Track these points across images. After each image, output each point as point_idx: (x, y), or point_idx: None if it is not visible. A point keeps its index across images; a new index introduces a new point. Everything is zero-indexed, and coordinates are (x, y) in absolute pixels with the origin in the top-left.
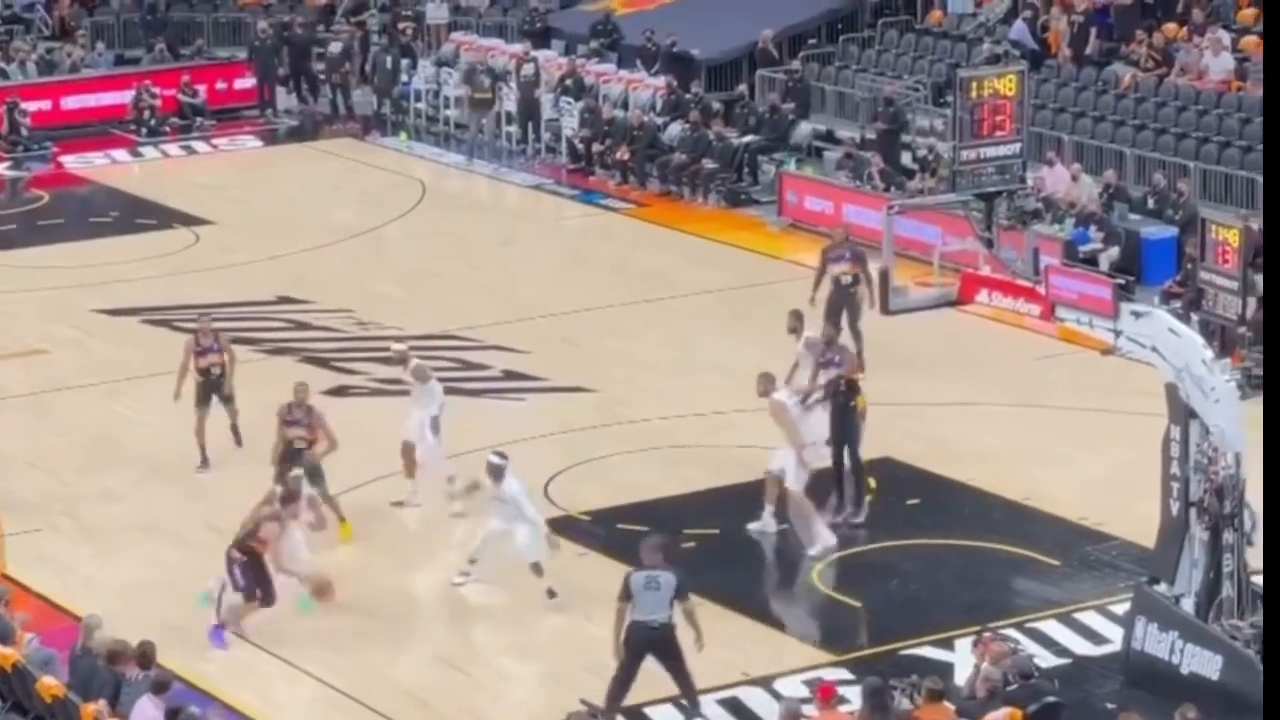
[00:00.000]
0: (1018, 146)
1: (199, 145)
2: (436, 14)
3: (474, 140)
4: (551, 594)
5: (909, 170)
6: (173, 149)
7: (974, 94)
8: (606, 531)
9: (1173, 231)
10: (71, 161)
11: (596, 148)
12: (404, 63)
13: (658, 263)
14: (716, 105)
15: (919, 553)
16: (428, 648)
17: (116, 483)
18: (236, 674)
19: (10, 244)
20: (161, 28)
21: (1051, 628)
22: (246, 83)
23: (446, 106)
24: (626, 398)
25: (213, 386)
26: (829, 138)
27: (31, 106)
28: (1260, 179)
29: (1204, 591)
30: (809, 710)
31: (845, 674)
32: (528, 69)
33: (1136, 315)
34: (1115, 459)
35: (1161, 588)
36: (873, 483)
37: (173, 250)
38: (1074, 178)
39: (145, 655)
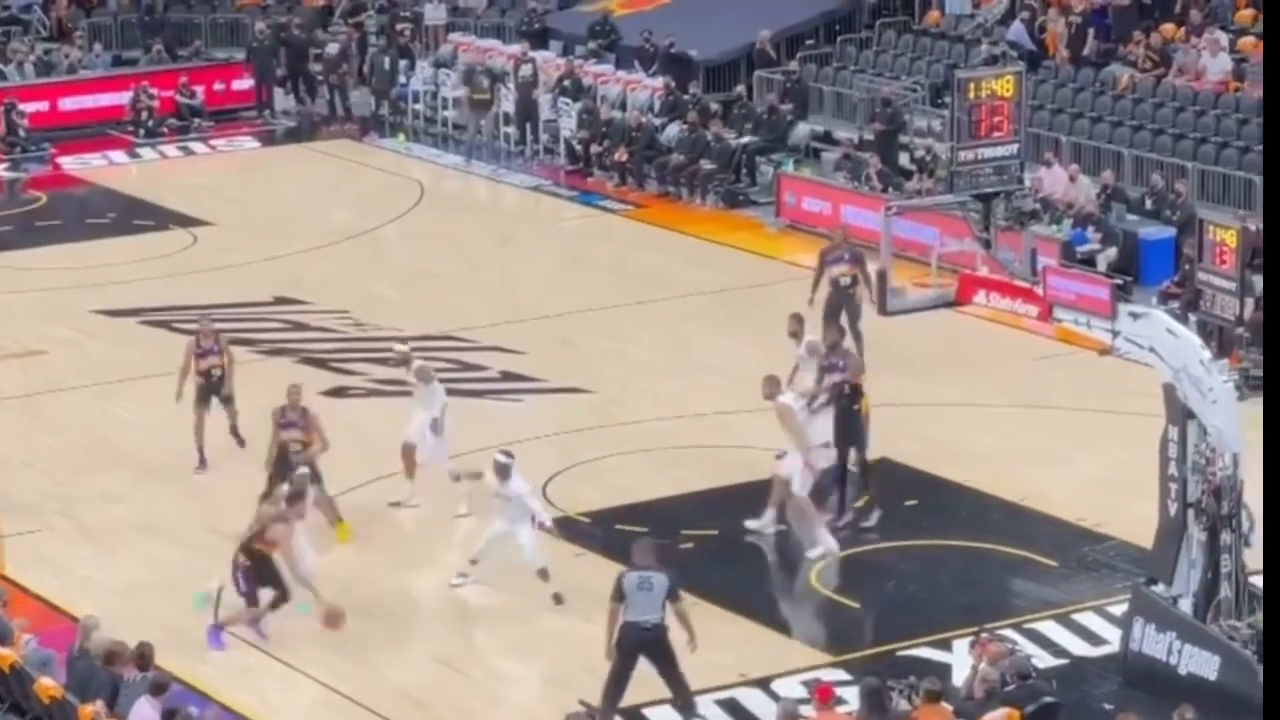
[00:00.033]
0: (1015, 147)
1: (197, 146)
2: (434, 15)
3: (472, 141)
4: (558, 599)
5: (907, 171)
6: (170, 150)
7: (972, 95)
8: (604, 532)
9: (1170, 232)
10: (69, 162)
11: (595, 149)
12: (402, 64)
13: (656, 264)
14: (714, 106)
15: (917, 554)
16: (425, 649)
17: (114, 483)
18: (234, 675)
19: (8, 245)
20: (159, 29)
21: (1049, 628)
22: (244, 84)
23: (444, 107)
24: (624, 399)
25: (213, 388)
26: (827, 138)
27: (29, 108)
28: (1258, 180)
29: (1202, 592)
30: (807, 711)
31: (843, 675)
32: (526, 70)
33: (1134, 316)
34: (1113, 460)
35: (1159, 588)
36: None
37: (170, 251)
38: (1072, 178)
39: (143, 656)
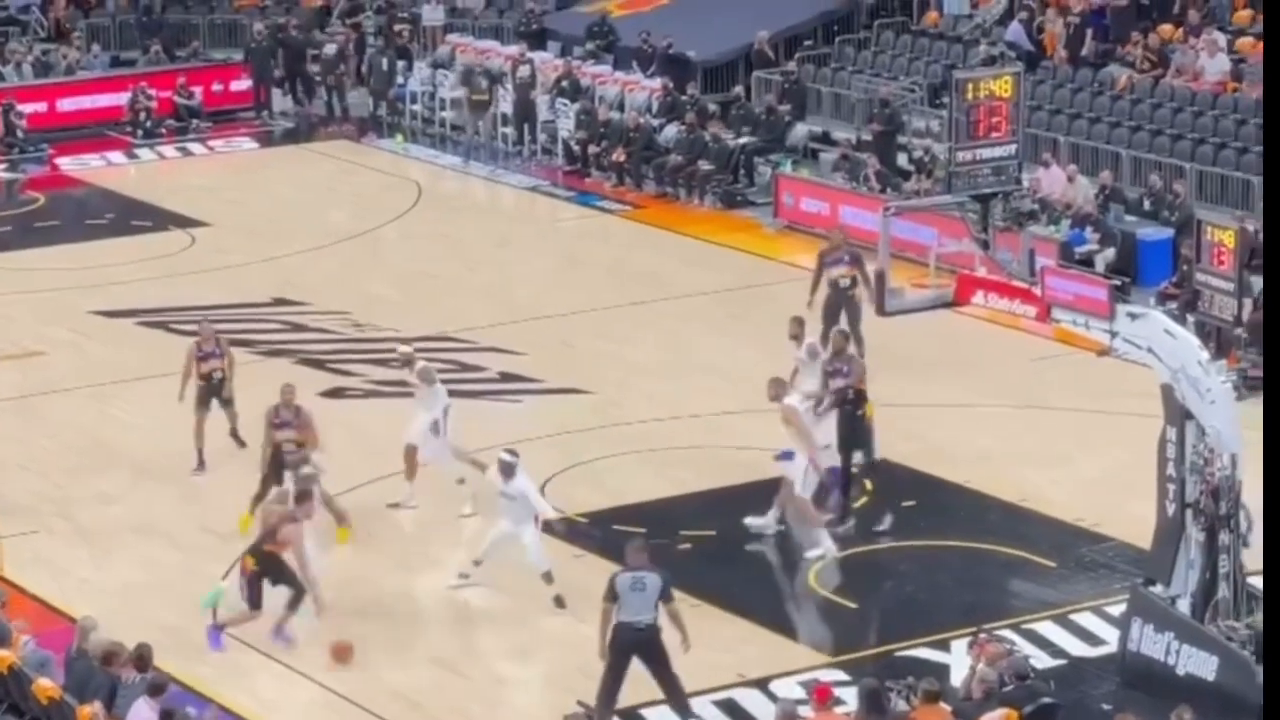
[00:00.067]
0: (1013, 148)
1: (195, 147)
2: (432, 16)
3: (470, 141)
4: (560, 603)
5: (905, 172)
6: (168, 151)
7: (970, 95)
8: (603, 533)
9: (1168, 233)
10: (67, 163)
11: (592, 149)
12: (400, 64)
13: (653, 264)
14: (712, 107)
15: (915, 554)
16: (423, 650)
17: (112, 485)
18: (233, 676)
19: (6, 246)
20: (157, 29)
21: (1047, 629)
22: (242, 85)
23: (442, 108)
24: (622, 399)
25: (214, 390)
26: (825, 139)
27: (27, 108)
28: (1256, 180)
29: (1200, 593)
30: (805, 711)
31: (841, 675)
32: (523, 71)
33: (1132, 316)
34: (1111, 460)
35: (1157, 589)
36: (869, 484)
37: (169, 252)
38: (1070, 179)
39: (142, 657)
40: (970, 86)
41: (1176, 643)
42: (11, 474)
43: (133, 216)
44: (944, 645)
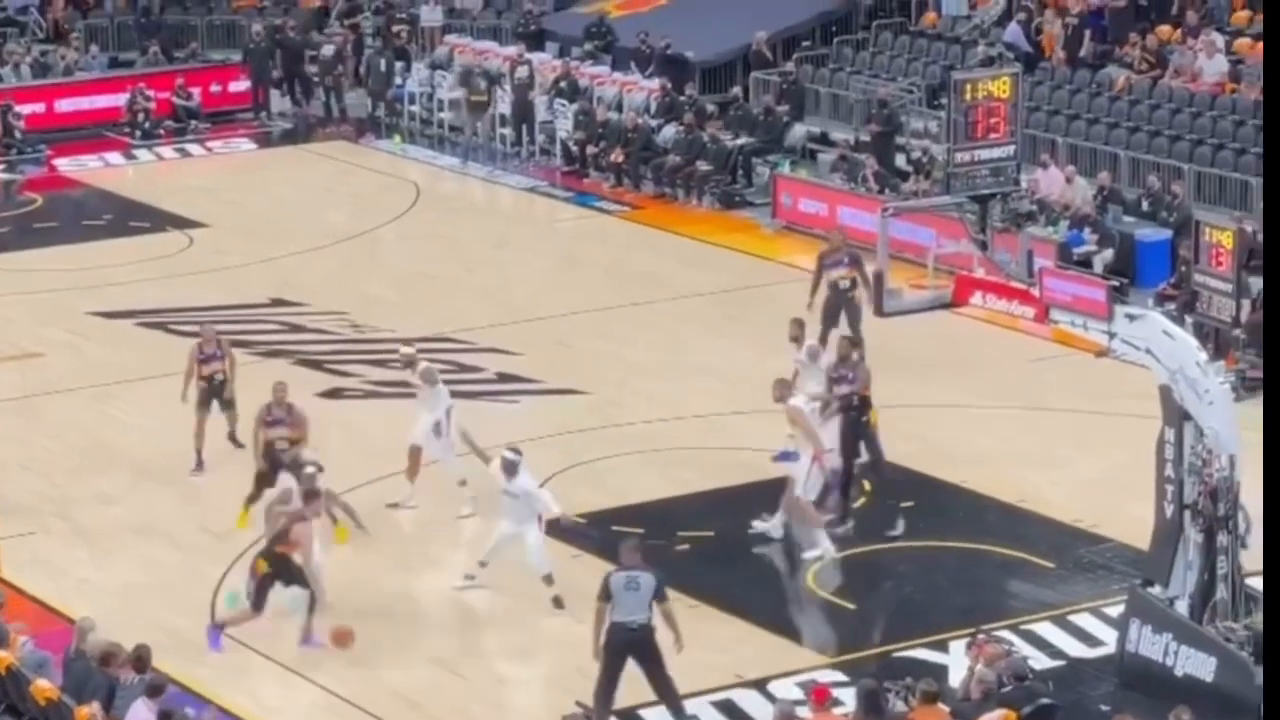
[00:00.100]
0: (1012, 149)
1: (193, 148)
2: (430, 17)
3: (469, 142)
4: (559, 604)
5: (903, 172)
6: (167, 152)
7: (968, 96)
8: (601, 534)
9: (1167, 234)
10: (65, 164)
11: (591, 150)
12: (398, 65)
13: (652, 265)
14: (711, 107)
15: (914, 555)
16: (423, 650)
17: (111, 485)
18: (232, 676)
19: (4, 247)
20: (155, 30)
21: (1046, 630)
22: (240, 86)
23: (441, 109)
24: (620, 400)
25: (214, 392)
26: (823, 140)
27: (25, 109)
28: (1254, 181)
29: (1198, 594)
30: (803, 712)
31: (839, 676)
32: (522, 71)
33: (1131, 317)
34: (1110, 461)
35: (1156, 590)
36: (868, 485)
37: (167, 253)
38: (1068, 180)
39: (141, 659)
40: (968, 87)
41: (1175, 644)
42: (10, 474)
43: (131, 217)
44: (942, 646)
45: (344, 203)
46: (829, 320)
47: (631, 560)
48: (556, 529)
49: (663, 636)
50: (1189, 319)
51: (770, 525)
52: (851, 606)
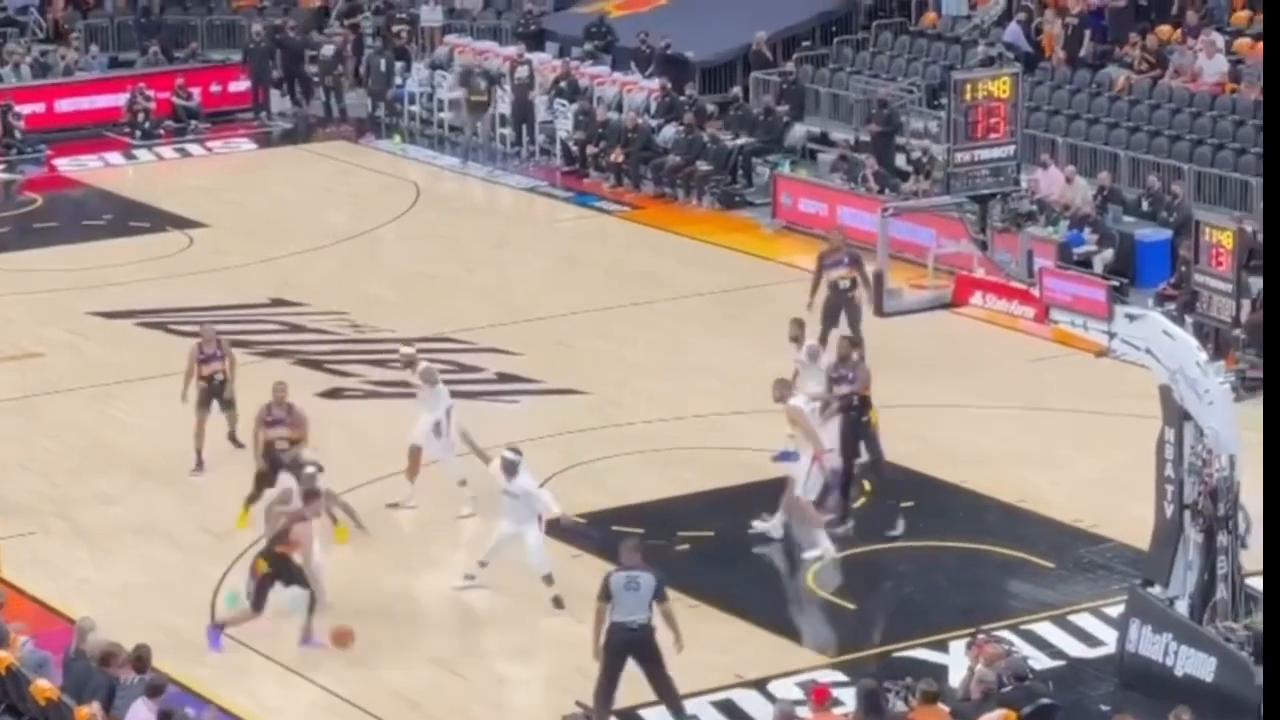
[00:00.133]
0: (1012, 149)
1: (193, 148)
2: (430, 17)
3: (469, 142)
4: (559, 604)
5: (903, 172)
6: (167, 152)
7: (968, 96)
8: (601, 534)
9: (1167, 234)
10: (65, 164)
11: (591, 150)
12: (398, 65)
13: (652, 265)
14: (711, 107)
15: (914, 555)
16: (423, 651)
17: (111, 485)
18: (232, 677)
19: (4, 247)
20: (155, 30)
21: (1046, 630)
22: (240, 86)
23: (440, 109)
24: (620, 400)
25: (215, 392)
26: (823, 140)
27: (25, 109)
28: (1254, 181)
29: (1198, 594)
30: (803, 712)
31: (839, 676)
32: (522, 71)
33: (1130, 317)
34: (1110, 461)
35: (1156, 590)
36: (867, 485)
37: (167, 253)
38: (1068, 180)
39: (141, 659)
40: (968, 87)
41: (1175, 644)
42: (10, 474)
43: (131, 217)
44: (942, 646)
45: (344, 203)
46: (829, 320)
47: (631, 560)
48: (557, 529)
49: (663, 637)
50: (1189, 319)
51: (770, 525)
52: (851, 606)
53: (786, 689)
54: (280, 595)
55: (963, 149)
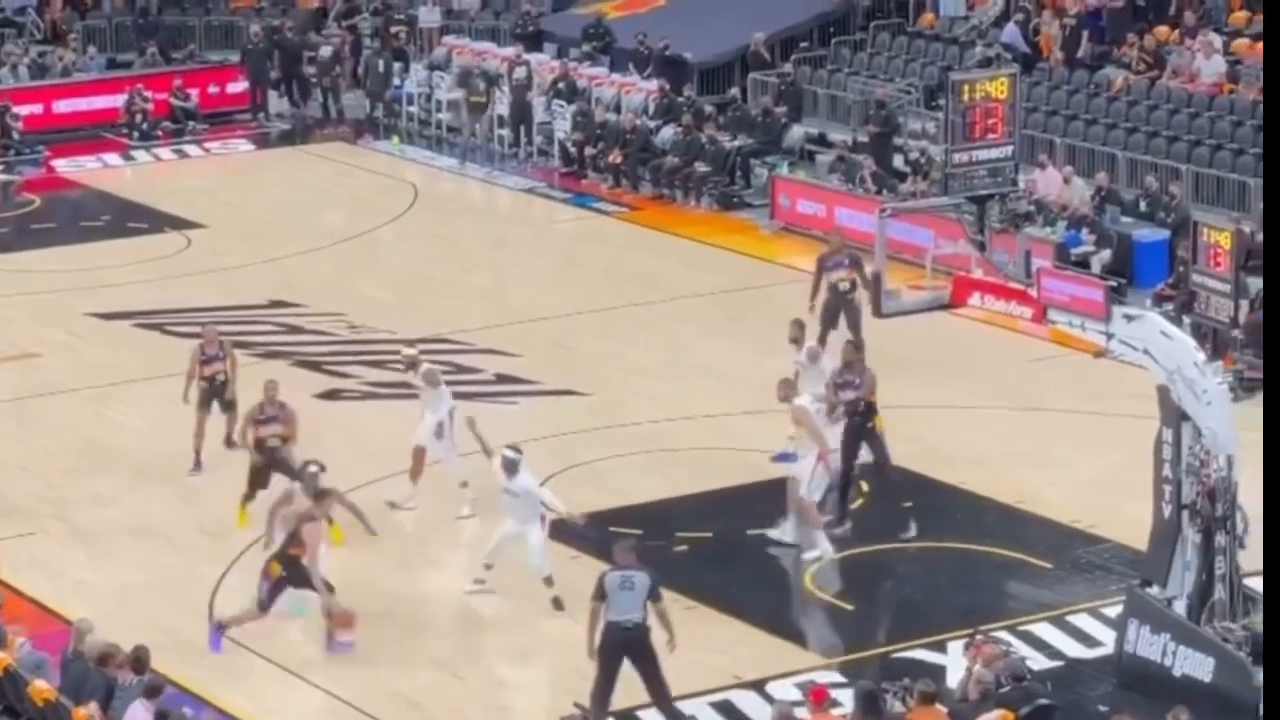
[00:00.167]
0: (1010, 149)
1: (191, 149)
2: (429, 18)
3: (468, 143)
4: (559, 605)
5: (901, 173)
6: (165, 153)
7: (966, 97)
8: (599, 535)
9: (1164, 234)
10: (63, 165)
11: (589, 151)
12: (396, 66)
13: (650, 266)
14: (709, 109)
15: (912, 556)
16: (422, 651)
17: (108, 486)
18: (230, 678)
19: (2, 248)
20: (153, 31)
21: (1044, 630)
22: (238, 87)
23: (439, 110)
24: (619, 401)
25: (215, 392)
26: (821, 141)
27: (23, 110)
28: (1252, 182)
29: (1196, 594)
30: (801, 713)
31: (837, 677)
32: (520, 72)
33: (1128, 318)
34: (1108, 462)
35: (1154, 590)
36: (865, 486)
37: (165, 254)
38: (1066, 181)
39: (139, 660)
40: (966, 88)
41: (1173, 644)
42: (8, 475)
43: (129, 218)
44: (940, 646)
45: (342, 204)
46: (828, 322)
47: (626, 560)
48: (563, 530)
49: (657, 636)
50: (1187, 319)
51: (784, 531)
52: (850, 607)
53: (785, 690)
54: (282, 597)
55: (960, 150)
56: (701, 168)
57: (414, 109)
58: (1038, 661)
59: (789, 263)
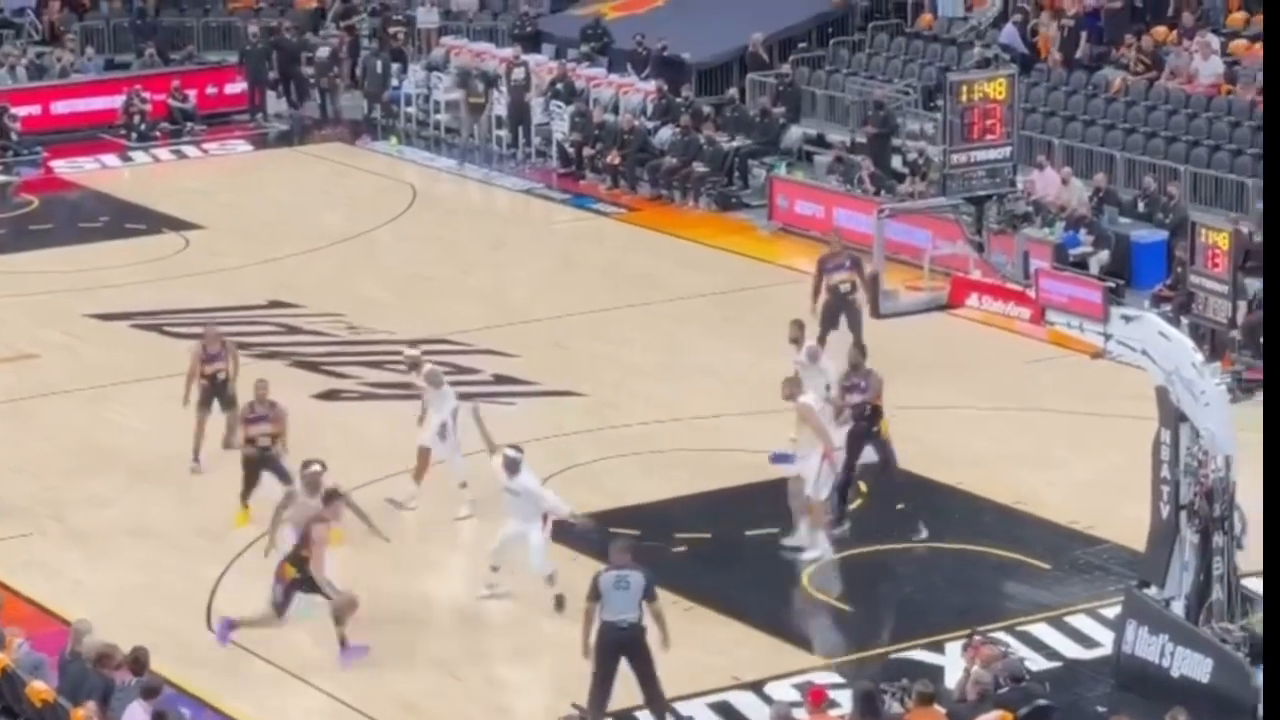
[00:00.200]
0: (1008, 150)
1: (189, 150)
2: (427, 18)
3: (466, 144)
4: (561, 604)
5: (899, 174)
6: (163, 153)
7: (964, 98)
8: (600, 536)
9: (1163, 235)
10: (61, 166)
11: (587, 152)
12: (394, 67)
13: (648, 267)
14: (707, 109)
15: (910, 556)
16: (421, 653)
17: (106, 487)
18: (229, 679)
19: (1, 249)
20: (151, 32)
21: (1042, 631)
22: (236, 87)
23: (437, 111)
24: (617, 402)
25: (217, 390)
26: (819, 141)
27: (21, 111)
28: (1250, 182)
29: (1194, 594)
30: (799, 714)
31: (836, 678)
32: (518, 73)
33: (1126, 319)
34: (1106, 462)
35: (1152, 591)
36: (863, 486)
37: (163, 255)
38: (1064, 181)
39: (138, 661)
40: (964, 89)
41: (1171, 645)
42: (6, 476)
43: (127, 219)
44: (939, 647)
45: (340, 204)
46: (828, 323)
47: (621, 560)
48: (563, 531)
49: (653, 636)
50: (1185, 320)
51: (799, 538)
52: (848, 608)
53: (783, 691)
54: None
55: (959, 150)
56: (700, 168)
57: (412, 110)
58: (1036, 662)
59: (787, 263)
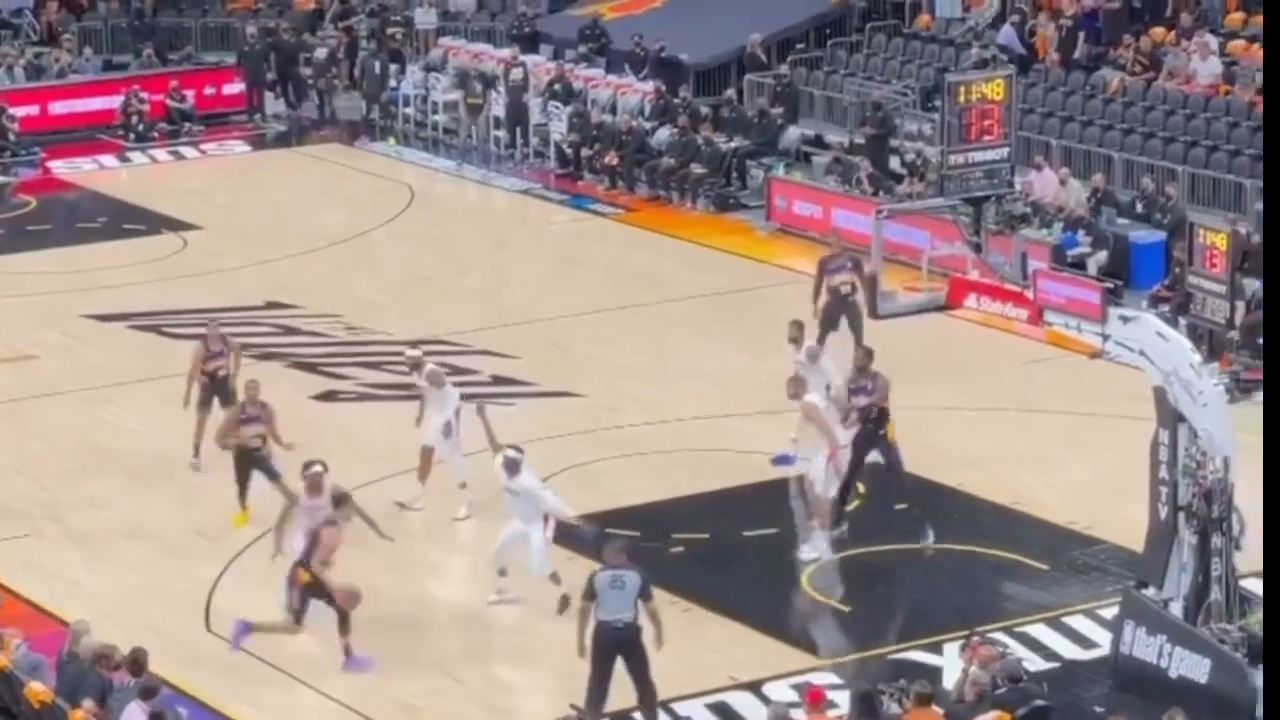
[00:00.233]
0: (1006, 151)
1: (187, 150)
2: (425, 19)
3: (464, 144)
4: (565, 603)
5: (897, 175)
6: (161, 154)
7: (962, 98)
8: (597, 536)
9: (1161, 235)
10: (59, 167)
11: (585, 152)
12: (392, 68)
13: (646, 267)
14: (705, 110)
15: (908, 557)
16: (421, 654)
17: (103, 488)
18: (227, 679)
19: None
20: (149, 33)
21: (1040, 631)
22: (234, 88)
23: (435, 111)
24: (615, 402)
25: (216, 388)
26: (817, 142)
27: (19, 112)
28: (1248, 183)
29: (1192, 595)
30: (797, 714)
31: (833, 678)
32: (516, 74)
33: (1124, 319)
34: (1104, 463)
35: (1150, 591)
36: (862, 487)
37: (161, 255)
38: (1062, 182)
39: (137, 662)
40: (962, 90)
41: (1169, 645)
42: (3, 477)
43: (125, 220)
44: (937, 648)
45: (338, 205)
46: (828, 325)
47: (616, 559)
48: (563, 532)
49: (648, 636)
50: (1183, 321)
51: (815, 548)
52: (847, 609)
53: (781, 691)
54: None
55: (957, 151)
56: (697, 169)
57: (410, 110)
58: (1034, 663)
59: (785, 264)
